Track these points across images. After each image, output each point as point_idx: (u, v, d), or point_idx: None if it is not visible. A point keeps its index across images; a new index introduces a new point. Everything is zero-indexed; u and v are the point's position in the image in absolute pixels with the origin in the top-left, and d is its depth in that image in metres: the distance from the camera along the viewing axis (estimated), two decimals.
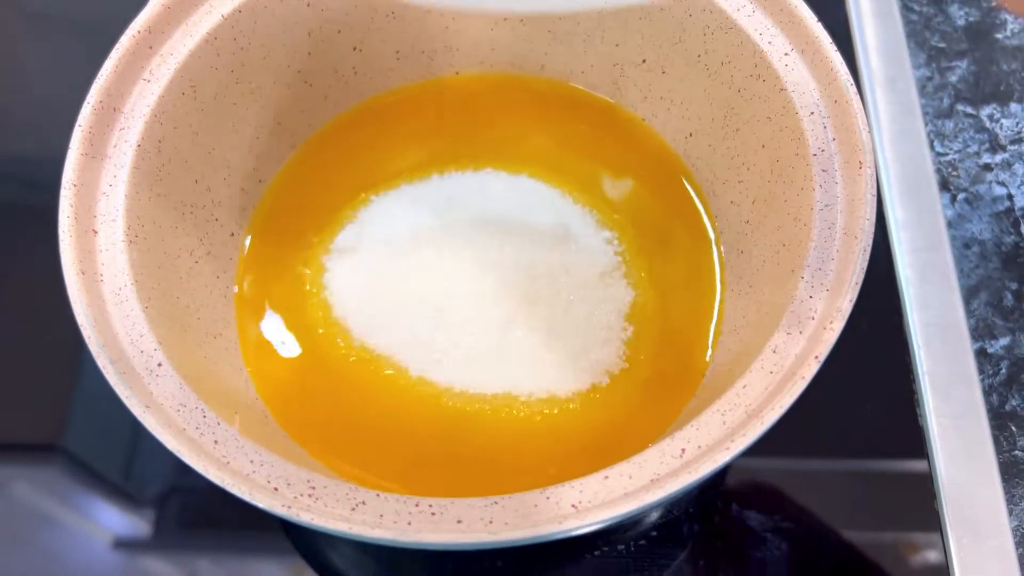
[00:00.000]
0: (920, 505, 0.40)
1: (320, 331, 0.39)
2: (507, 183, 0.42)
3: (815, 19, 0.35)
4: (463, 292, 0.39)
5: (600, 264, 0.40)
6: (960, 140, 0.48)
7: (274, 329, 0.40)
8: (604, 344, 0.39)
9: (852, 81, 0.33)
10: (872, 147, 0.32)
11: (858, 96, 0.33)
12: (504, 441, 0.37)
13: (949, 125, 0.48)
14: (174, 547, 0.40)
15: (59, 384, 0.44)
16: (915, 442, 0.41)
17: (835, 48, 0.34)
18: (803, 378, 0.29)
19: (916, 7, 0.52)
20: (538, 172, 0.43)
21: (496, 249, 0.40)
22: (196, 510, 0.41)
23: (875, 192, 0.32)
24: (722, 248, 0.40)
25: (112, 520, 0.41)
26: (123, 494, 0.42)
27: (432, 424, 0.37)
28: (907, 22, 0.52)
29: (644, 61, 0.42)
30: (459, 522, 0.27)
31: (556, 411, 0.37)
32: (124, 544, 0.41)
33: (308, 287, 0.40)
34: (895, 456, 0.41)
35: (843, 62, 0.34)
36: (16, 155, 0.53)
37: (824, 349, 0.29)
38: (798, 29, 0.35)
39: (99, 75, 0.35)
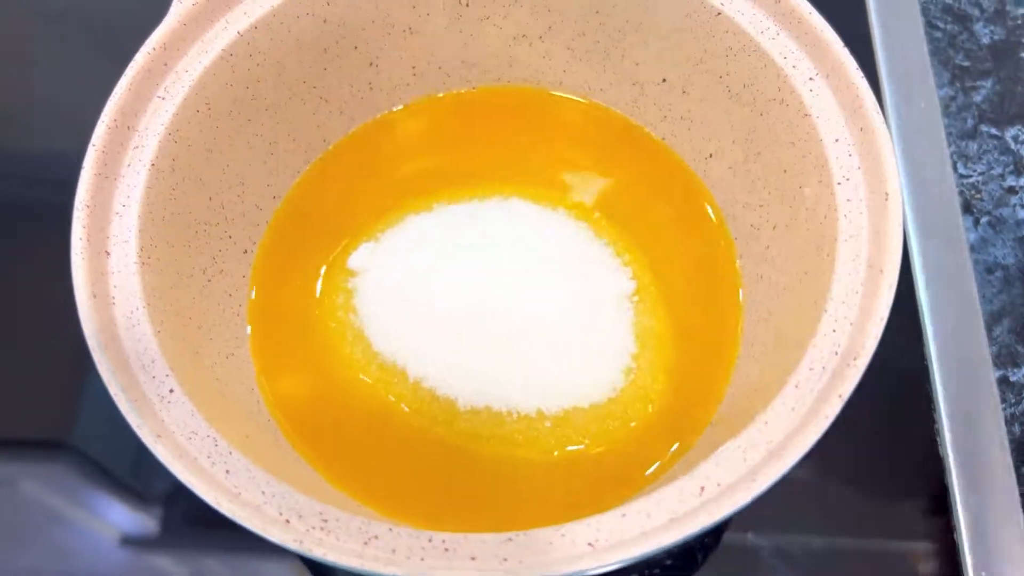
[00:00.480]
0: (940, 536, 0.39)
1: (335, 349, 0.39)
2: (523, 206, 0.42)
3: (841, 44, 0.34)
4: (479, 313, 0.39)
5: (616, 287, 0.40)
6: (984, 162, 0.47)
7: (287, 347, 0.39)
8: (618, 368, 0.38)
9: (879, 110, 0.33)
10: (899, 178, 0.32)
11: (885, 125, 0.33)
12: (517, 467, 0.36)
13: (973, 147, 0.48)
14: (181, 545, 0.40)
15: (68, 382, 0.44)
16: (935, 471, 0.40)
17: (862, 75, 0.34)
18: (826, 417, 0.28)
19: (941, 24, 0.51)
20: (553, 193, 0.42)
21: (512, 272, 0.39)
22: (203, 508, 0.40)
23: (902, 225, 0.31)
24: (742, 273, 0.40)
25: (120, 518, 0.41)
26: (131, 492, 0.42)
27: (446, 447, 0.37)
28: (931, 39, 0.51)
29: (664, 80, 0.41)
30: (473, 559, 0.27)
31: (570, 434, 0.37)
32: (131, 541, 0.41)
33: (323, 304, 0.40)
34: (914, 487, 0.40)
35: (870, 89, 0.33)
36: (31, 152, 0.53)
37: (848, 387, 0.28)
38: (824, 53, 0.35)
39: (113, 93, 0.34)
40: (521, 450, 0.37)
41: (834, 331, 0.30)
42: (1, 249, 0.48)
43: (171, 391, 0.30)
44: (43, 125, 0.53)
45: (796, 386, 0.30)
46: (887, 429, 0.41)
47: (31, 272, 0.47)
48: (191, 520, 0.41)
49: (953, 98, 0.49)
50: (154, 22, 0.35)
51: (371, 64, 0.42)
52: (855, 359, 0.29)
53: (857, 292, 0.31)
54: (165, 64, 0.36)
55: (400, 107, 0.44)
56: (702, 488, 0.28)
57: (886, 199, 0.32)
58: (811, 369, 0.30)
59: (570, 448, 0.36)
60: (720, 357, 0.38)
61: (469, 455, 0.37)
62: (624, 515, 0.28)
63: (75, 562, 0.40)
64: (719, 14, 0.37)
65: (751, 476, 0.28)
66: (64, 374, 0.44)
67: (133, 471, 0.42)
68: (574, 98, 0.44)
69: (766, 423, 0.29)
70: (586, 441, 0.37)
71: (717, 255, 0.41)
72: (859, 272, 0.31)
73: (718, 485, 0.28)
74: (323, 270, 0.41)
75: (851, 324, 0.30)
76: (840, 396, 0.28)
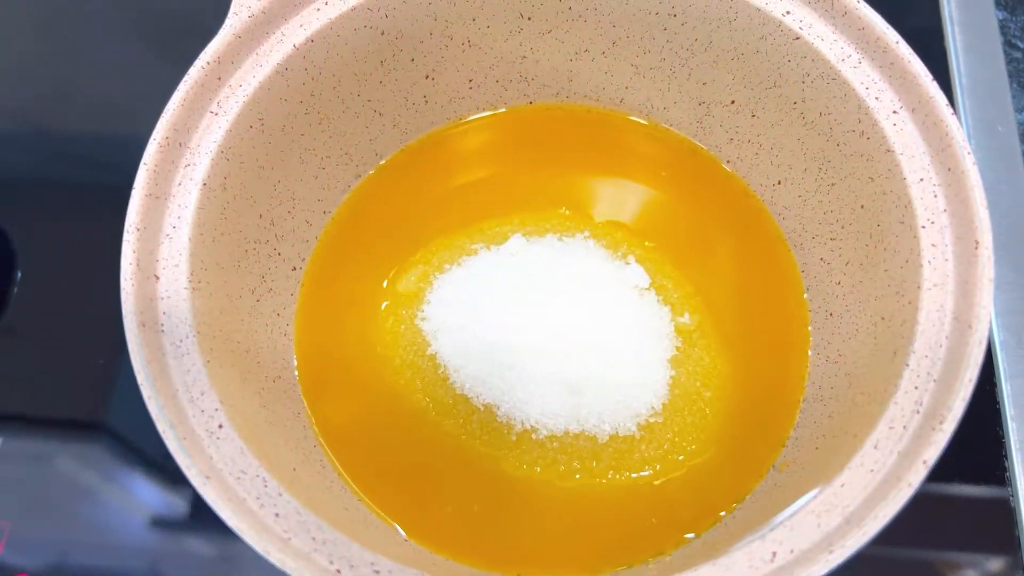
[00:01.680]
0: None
1: (384, 371, 0.38)
2: (580, 235, 0.40)
3: (930, 77, 0.32)
4: (533, 341, 0.37)
5: (673, 318, 0.38)
6: None
7: (335, 368, 0.38)
8: (675, 402, 0.37)
9: (969, 150, 0.31)
10: (989, 225, 0.30)
11: (975, 167, 0.31)
12: (570, 509, 0.35)
13: None
14: (211, 525, 0.39)
15: (104, 363, 0.44)
16: (1005, 520, 0.39)
17: (952, 111, 0.32)
18: (909, 485, 0.27)
19: (1020, 44, 0.49)
20: (609, 217, 0.41)
21: (568, 302, 0.38)
22: None
23: (992, 277, 0.29)
24: (809, 308, 0.38)
25: (151, 497, 0.41)
26: (163, 472, 0.41)
27: (497, 475, 0.36)
28: (1009, 60, 0.48)
29: (733, 102, 0.39)
30: None
31: (626, 465, 0.36)
32: (162, 521, 0.41)
33: (373, 324, 0.39)
34: (984, 539, 0.39)
35: (960, 128, 0.31)
36: (76, 136, 0.52)
37: (934, 453, 0.27)
38: (910, 86, 0.33)
39: (166, 109, 0.33)
40: (572, 495, 0.36)
41: (916, 388, 0.29)
42: (38, 232, 0.48)
43: (220, 426, 0.29)
44: (95, 108, 0.52)
45: (875, 446, 0.28)
46: (956, 473, 0.39)
47: (68, 255, 0.47)
48: None
49: None
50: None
51: (427, 77, 0.41)
52: (940, 423, 0.27)
53: (941, 346, 0.29)
54: (219, 78, 0.34)
55: (455, 121, 0.43)
56: (774, 554, 0.27)
57: (976, 247, 0.30)
58: (891, 428, 0.28)
59: (628, 477, 0.35)
60: (783, 397, 0.37)
61: (522, 484, 0.36)
62: None
63: (107, 538, 0.40)
64: (797, 38, 0.35)
65: (827, 545, 0.26)
66: (100, 356, 0.44)
67: (165, 452, 0.41)
68: (635, 118, 0.43)
69: (842, 485, 0.28)
70: (644, 472, 0.36)
71: (782, 287, 0.39)
72: (944, 325, 0.30)
73: (791, 552, 0.27)
74: (373, 287, 0.40)
75: (935, 381, 0.29)
76: (925, 463, 0.27)
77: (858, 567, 0.35)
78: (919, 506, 0.36)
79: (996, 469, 0.40)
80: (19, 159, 0.51)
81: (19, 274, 0.46)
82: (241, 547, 0.39)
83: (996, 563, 0.38)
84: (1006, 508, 0.39)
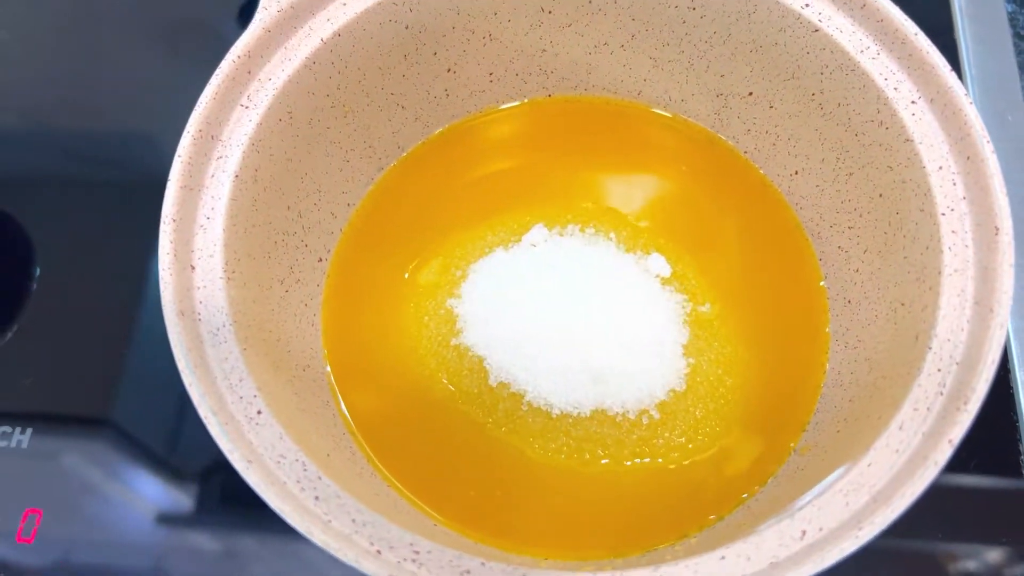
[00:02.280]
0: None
1: (409, 359, 0.38)
2: (599, 230, 0.41)
3: (948, 68, 0.33)
4: (556, 330, 0.38)
5: (693, 305, 0.39)
6: None
7: (362, 357, 0.39)
8: (695, 387, 0.37)
9: (988, 139, 0.31)
10: (1009, 211, 0.31)
11: (995, 155, 0.31)
12: (594, 493, 0.36)
13: None
14: (216, 522, 0.40)
15: (110, 359, 0.44)
16: (1020, 505, 0.39)
17: (970, 101, 0.32)
18: (935, 463, 0.27)
19: None
20: (629, 207, 0.41)
21: (589, 294, 0.38)
22: (240, 486, 0.40)
23: (1013, 262, 0.30)
24: (827, 295, 0.39)
25: (157, 493, 0.41)
26: (168, 468, 0.42)
27: (524, 459, 0.37)
28: (1019, 51, 0.49)
29: (751, 94, 0.40)
30: None
31: (649, 460, 0.36)
32: (167, 517, 0.41)
33: (398, 313, 0.39)
34: (1000, 529, 0.39)
35: (978, 117, 0.32)
36: (90, 134, 0.53)
37: (959, 432, 0.28)
38: (928, 77, 0.33)
39: (199, 102, 0.34)
40: (601, 466, 0.36)
41: (939, 370, 0.29)
42: (57, 229, 0.48)
43: (259, 412, 0.30)
44: (118, 111, 0.53)
45: (900, 427, 0.29)
46: (972, 458, 0.40)
47: (75, 251, 0.47)
48: (226, 497, 0.41)
49: None
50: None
51: (449, 70, 0.41)
52: (965, 403, 0.28)
53: (963, 330, 0.30)
54: (249, 72, 0.35)
55: (476, 113, 0.44)
56: (803, 532, 0.27)
57: (996, 233, 0.31)
58: (915, 409, 0.29)
59: (651, 462, 0.36)
60: (804, 382, 0.37)
61: (547, 470, 0.36)
62: (723, 557, 0.27)
63: (112, 535, 0.40)
64: (816, 31, 0.36)
65: (856, 523, 0.27)
66: (106, 353, 0.44)
67: (170, 448, 0.42)
68: (654, 109, 0.43)
69: (869, 465, 0.28)
70: (667, 457, 0.36)
71: (800, 274, 0.40)
72: (965, 309, 0.30)
73: (820, 530, 0.27)
74: (396, 278, 0.40)
75: (957, 364, 0.29)
76: (950, 442, 0.27)
77: (869, 559, 0.36)
78: (933, 494, 0.37)
79: (1011, 456, 0.40)
80: (38, 158, 0.52)
81: (38, 270, 0.47)
82: (245, 543, 0.40)
83: (1010, 552, 0.39)
84: (1022, 497, 0.39)
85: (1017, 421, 0.40)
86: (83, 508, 0.41)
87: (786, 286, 0.40)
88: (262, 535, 0.40)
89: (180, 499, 0.41)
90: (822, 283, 0.39)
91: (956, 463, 0.38)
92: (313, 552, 0.39)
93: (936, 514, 0.39)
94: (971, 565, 0.38)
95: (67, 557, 0.40)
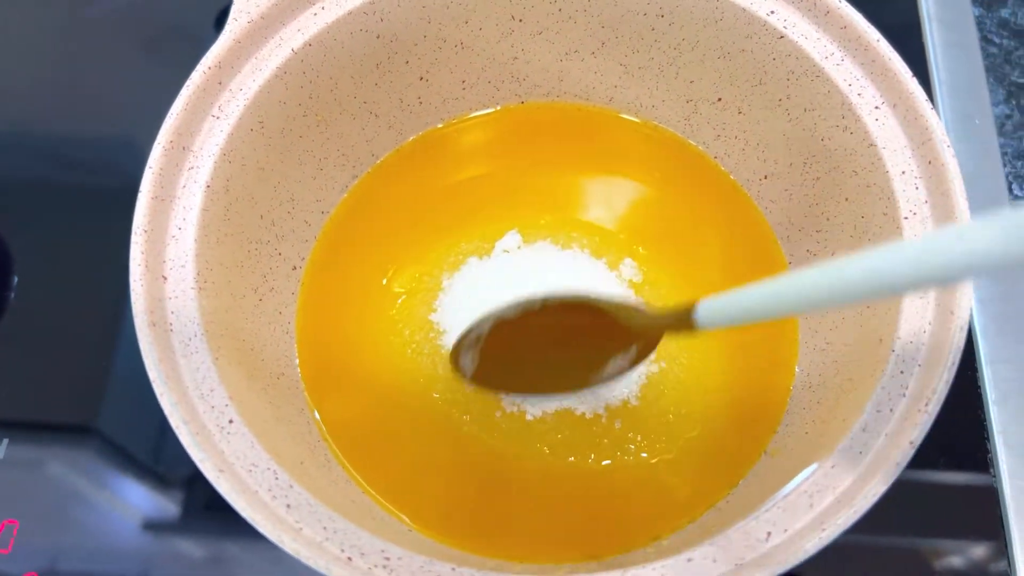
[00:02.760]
0: (989, 557, 0.39)
1: (384, 366, 0.39)
2: (572, 235, 0.41)
3: (910, 74, 0.34)
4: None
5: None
6: None
7: (338, 364, 0.39)
8: (664, 390, 0.38)
9: (949, 144, 0.32)
10: (970, 216, 0.31)
11: (955, 161, 0.32)
12: (569, 497, 0.36)
13: None
14: (201, 528, 0.40)
15: (94, 367, 0.44)
16: (988, 496, 0.40)
17: (931, 107, 0.33)
18: (897, 464, 0.28)
19: (996, 40, 0.50)
20: (601, 222, 0.42)
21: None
22: None
23: None
24: None
25: (141, 500, 0.41)
26: (153, 475, 0.42)
27: (498, 473, 0.37)
28: (986, 55, 0.50)
29: (720, 100, 0.41)
30: None
31: (623, 464, 0.37)
32: (153, 524, 0.41)
33: (371, 322, 0.40)
34: (969, 525, 0.40)
35: (940, 122, 0.33)
36: (63, 138, 0.53)
37: (919, 433, 0.28)
38: (891, 83, 0.34)
39: (170, 113, 0.34)
40: (575, 470, 0.37)
41: (902, 372, 0.30)
42: (34, 237, 0.48)
43: (231, 421, 0.30)
44: (97, 115, 0.53)
45: (864, 429, 0.29)
46: (941, 455, 0.41)
47: (58, 258, 0.47)
48: (211, 504, 0.41)
49: (1009, 116, 0.48)
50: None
51: (421, 78, 0.42)
52: (926, 404, 0.28)
53: (925, 332, 0.30)
54: (220, 83, 0.35)
55: (449, 121, 0.44)
56: (768, 533, 0.28)
57: None
58: (879, 411, 0.29)
59: (625, 465, 0.36)
60: (774, 385, 0.38)
61: (522, 475, 0.37)
62: (690, 560, 0.27)
63: (98, 542, 0.40)
64: (782, 37, 0.36)
65: (819, 523, 0.27)
66: (91, 360, 0.44)
67: (155, 455, 0.42)
68: (625, 115, 0.44)
69: (832, 466, 0.29)
70: (640, 460, 0.37)
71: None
72: (927, 312, 0.31)
73: (785, 531, 0.28)
74: (371, 285, 0.41)
75: (919, 366, 0.30)
76: (911, 443, 0.28)
77: (844, 555, 0.36)
78: (905, 492, 0.37)
79: (979, 453, 0.41)
80: (15, 163, 0.52)
81: (15, 279, 0.47)
82: (232, 549, 0.40)
83: (981, 548, 0.39)
84: (990, 493, 0.40)
85: (984, 420, 0.41)
86: (68, 516, 0.41)
87: None
88: (247, 541, 0.40)
89: (165, 506, 0.41)
90: None
91: (926, 460, 0.39)
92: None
93: (914, 510, 0.40)
94: (956, 561, 0.39)
95: (53, 565, 0.40)
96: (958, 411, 0.41)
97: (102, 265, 0.46)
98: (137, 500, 0.41)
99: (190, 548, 0.40)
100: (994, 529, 0.39)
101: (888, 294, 0.19)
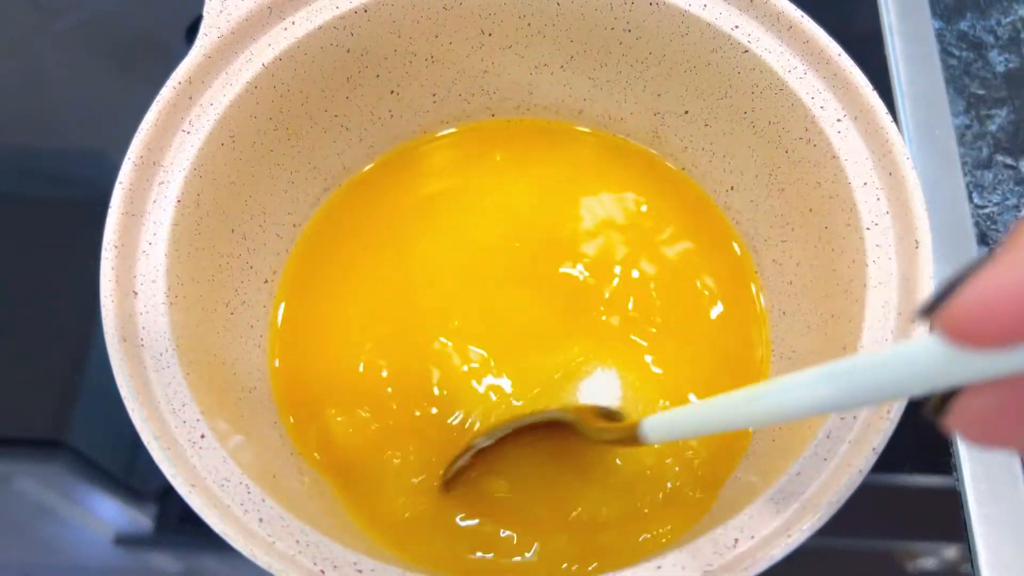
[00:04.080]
0: (951, 550, 0.40)
1: (360, 378, 0.39)
2: (542, 248, 0.42)
3: (870, 87, 0.34)
4: (505, 348, 0.39)
5: (631, 326, 0.40)
6: (999, 192, 0.47)
7: (310, 377, 0.39)
8: (633, 407, 0.38)
9: (908, 155, 0.33)
10: (929, 225, 0.32)
11: (915, 172, 0.33)
12: (545, 520, 0.36)
13: (988, 176, 0.48)
14: (175, 542, 0.40)
15: (64, 381, 0.44)
16: (948, 488, 0.41)
17: (891, 119, 0.34)
18: (860, 471, 0.28)
19: (956, 52, 0.51)
20: (571, 235, 0.42)
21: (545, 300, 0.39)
22: None
23: (932, 274, 0.31)
24: (763, 306, 0.40)
25: (114, 515, 0.41)
26: (125, 489, 0.42)
27: (476, 492, 0.37)
28: (946, 67, 0.51)
29: (687, 112, 0.41)
30: None
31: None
32: (126, 538, 0.41)
33: (343, 335, 0.40)
34: (928, 504, 0.41)
35: (899, 135, 0.33)
36: (36, 151, 0.53)
37: (881, 440, 0.29)
38: (852, 96, 0.35)
39: (140, 128, 0.34)
40: (550, 492, 0.37)
41: None
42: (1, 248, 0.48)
43: (202, 436, 0.30)
44: (66, 128, 0.53)
45: (828, 436, 0.30)
46: (903, 447, 0.41)
47: (28, 270, 0.47)
48: (185, 517, 0.41)
49: (968, 127, 0.49)
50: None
51: (392, 92, 0.42)
52: (888, 412, 0.29)
53: (887, 340, 0.31)
54: (190, 98, 0.35)
55: (421, 136, 0.44)
56: (736, 540, 0.28)
57: (916, 247, 0.32)
58: (842, 419, 0.30)
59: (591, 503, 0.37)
60: None
61: (499, 496, 0.37)
62: (659, 567, 0.28)
63: (69, 558, 0.40)
64: (746, 51, 0.37)
65: (785, 530, 0.28)
66: (61, 373, 0.44)
67: (127, 469, 0.42)
68: (595, 130, 0.44)
69: (798, 474, 0.29)
70: (615, 475, 0.37)
71: (739, 289, 0.41)
72: (889, 320, 0.31)
73: (752, 538, 0.28)
74: (343, 299, 0.41)
75: None
76: (874, 450, 0.28)
77: (812, 559, 0.37)
78: (873, 496, 0.38)
79: (945, 456, 0.42)
80: None
81: None
82: (206, 562, 0.40)
83: (952, 550, 0.40)
84: (954, 495, 0.41)
85: None
86: (38, 532, 0.41)
87: (722, 296, 0.41)
88: (221, 554, 0.40)
89: (138, 520, 0.41)
90: (761, 296, 0.40)
91: (894, 464, 0.39)
92: None
93: (883, 514, 0.41)
94: (926, 564, 0.40)
95: None
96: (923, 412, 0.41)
97: (74, 278, 0.46)
98: (109, 515, 0.41)
99: (164, 562, 0.40)
100: (959, 532, 0.40)
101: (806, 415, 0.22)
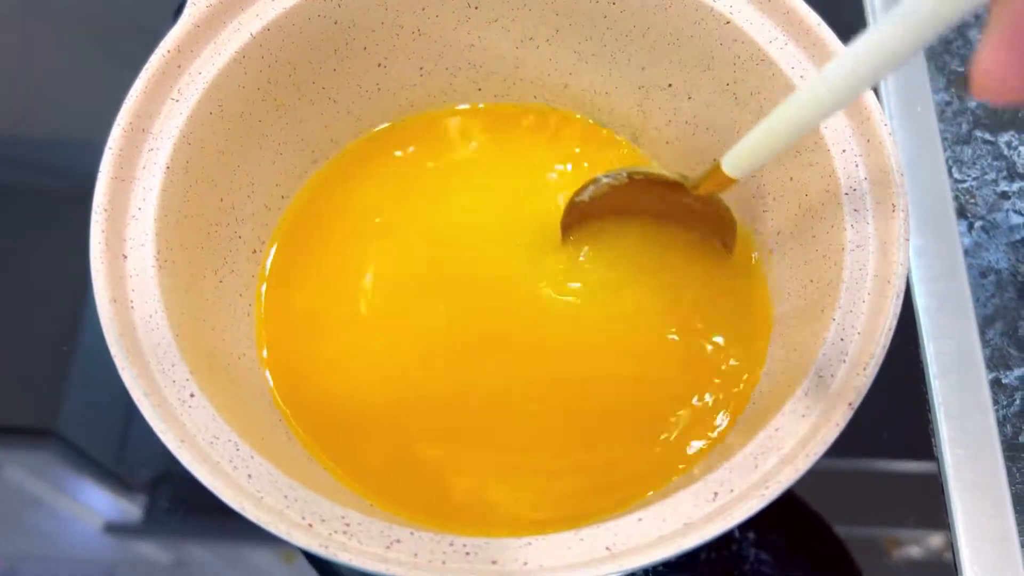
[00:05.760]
0: (933, 535, 0.40)
1: (347, 347, 0.39)
2: (533, 227, 0.42)
3: None
4: (489, 319, 0.39)
5: (625, 301, 0.40)
6: (978, 167, 0.48)
7: (297, 347, 0.40)
8: (628, 382, 0.39)
9: (886, 122, 0.33)
10: (906, 190, 0.33)
11: (892, 138, 0.33)
12: (537, 477, 0.37)
13: (967, 152, 0.49)
14: (165, 531, 0.41)
15: (53, 370, 0.44)
16: (930, 469, 0.41)
17: (869, 89, 0.34)
18: (836, 425, 0.29)
19: None
20: (554, 197, 0.43)
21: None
22: (187, 495, 0.41)
23: (908, 237, 0.32)
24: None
25: (104, 504, 0.41)
26: (115, 479, 0.42)
27: (456, 440, 0.38)
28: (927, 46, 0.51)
29: (670, 85, 0.42)
30: (494, 563, 0.28)
31: (582, 443, 0.38)
32: (115, 528, 0.41)
33: (331, 307, 0.40)
34: (910, 484, 0.41)
35: (877, 102, 0.34)
36: (29, 140, 0.53)
37: (857, 396, 0.29)
38: None
39: (129, 95, 0.34)
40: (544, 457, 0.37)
41: (842, 339, 0.31)
42: None
43: (192, 395, 0.31)
44: (50, 115, 0.53)
45: (806, 393, 0.30)
46: (884, 428, 0.42)
47: (15, 259, 0.47)
48: (175, 507, 0.41)
49: (948, 103, 0.50)
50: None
51: (379, 65, 0.42)
52: (864, 368, 0.30)
53: (864, 301, 0.32)
54: (179, 66, 0.36)
55: (409, 115, 0.45)
56: (715, 494, 0.29)
57: (893, 210, 0.32)
58: (820, 376, 0.31)
59: (581, 455, 0.37)
60: (727, 360, 0.39)
61: (481, 447, 0.37)
62: (640, 519, 0.28)
63: (59, 548, 0.40)
64: (728, 23, 0.37)
65: (763, 483, 0.28)
66: (49, 362, 0.44)
67: (117, 458, 0.42)
68: (580, 111, 0.45)
69: (777, 430, 0.30)
70: (597, 451, 0.37)
71: (721, 256, 0.41)
72: (866, 282, 0.32)
73: (731, 491, 0.29)
74: (330, 270, 0.41)
75: (859, 333, 0.31)
76: (850, 405, 0.29)
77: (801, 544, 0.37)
78: (855, 482, 0.38)
79: (926, 441, 0.42)
80: None
81: None
82: (196, 552, 0.40)
83: (934, 538, 0.41)
84: (936, 481, 0.41)
85: (929, 410, 0.43)
86: (27, 522, 0.41)
87: (712, 269, 0.41)
88: (212, 544, 0.40)
89: (128, 509, 0.41)
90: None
91: (876, 449, 0.40)
92: (263, 559, 0.40)
93: (867, 500, 0.41)
94: (914, 551, 0.40)
95: (13, 573, 0.40)
96: (904, 391, 0.42)
97: (59, 265, 0.46)
98: (99, 504, 0.41)
99: (154, 552, 0.40)
100: (942, 518, 0.41)
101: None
